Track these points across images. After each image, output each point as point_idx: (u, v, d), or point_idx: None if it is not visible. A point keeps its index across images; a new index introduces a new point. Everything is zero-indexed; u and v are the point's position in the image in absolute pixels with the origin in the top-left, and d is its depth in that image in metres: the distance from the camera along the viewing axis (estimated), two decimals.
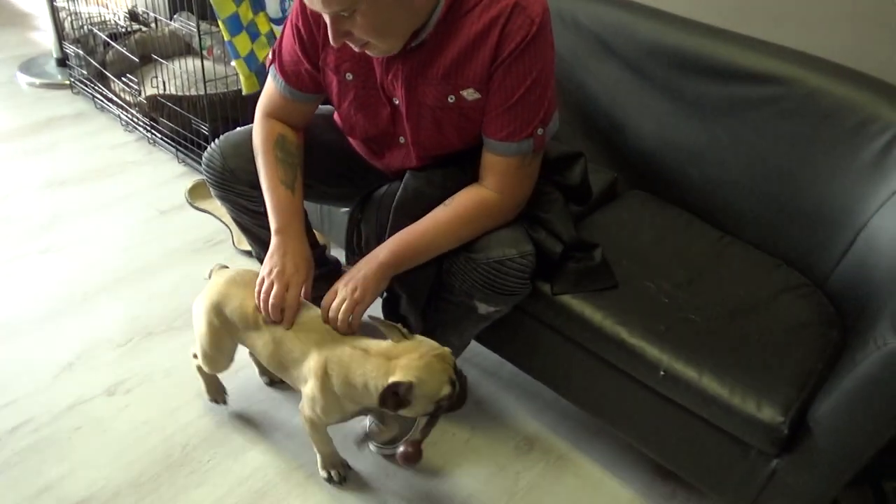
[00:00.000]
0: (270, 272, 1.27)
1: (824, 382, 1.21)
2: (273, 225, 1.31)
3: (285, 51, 1.34)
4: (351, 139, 1.48)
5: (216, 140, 1.45)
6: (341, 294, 1.25)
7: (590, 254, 1.41)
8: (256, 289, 1.28)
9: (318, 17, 1.26)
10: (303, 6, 1.27)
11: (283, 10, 2.13)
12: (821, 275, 1.51)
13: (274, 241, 1.30)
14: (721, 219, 1.62)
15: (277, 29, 2.13)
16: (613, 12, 1.70)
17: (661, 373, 1.28)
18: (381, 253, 1.27)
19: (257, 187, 1.36)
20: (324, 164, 1.47)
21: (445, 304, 1.37)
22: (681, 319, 1.35)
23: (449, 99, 1.23)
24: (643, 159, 1.73)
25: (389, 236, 1.30)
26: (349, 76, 1.29)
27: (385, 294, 1.42)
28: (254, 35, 2.09)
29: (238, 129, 1.46)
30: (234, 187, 1.42)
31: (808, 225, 1.51)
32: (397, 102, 1.29)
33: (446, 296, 1.35)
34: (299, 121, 1.41)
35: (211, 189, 1.47)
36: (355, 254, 1.43)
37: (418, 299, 1.37)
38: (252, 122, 1.42)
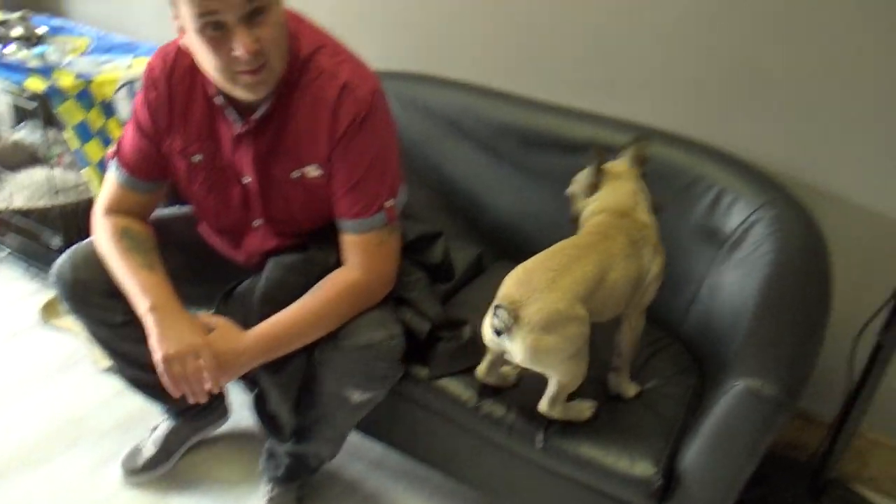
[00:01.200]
0: (171, 358, 1.18)
1: (688, 429, 1.28)
2: (143, 306, 1.22)
3: (127, 143, 1.33)
4: (208, 235, 1.46)
5: (66, 252, 1.39)
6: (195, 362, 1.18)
7: (459, 332, 1.42)
8: (168, 382, 1.20)
9: (161, 104, 1.27)
10: (144, 98, 1.28)
11: None
12: (675, 326, 1.59)
13: (151, 322, 1.20)
14: None
15: None
16: (461, 97, 1.80)
17: (540, 445, 1.30)
18: (245, 341, 1.22)
19: (115, 296, 1.30)
20: (180, 262, 1.41)
21: (317, 398, 1.34)
22: None
23: (293, 174, 1.27)
24: (504, 232, 1.80)
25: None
26: (197, 158, 1.29)
27: (256, 390, 1.37)
28: (106, 140, 2.05)
29: (88, 239, 1.40)
30: (89, 299, 1.35)
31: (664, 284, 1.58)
32: (247, 181, 1.30)
33: (317, 388, 1.33)
34: (142, 213, 1.37)
35: (63, 304, 1.38)
36: None
37: (288, 393, 1.34)
38: None
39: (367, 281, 1.28)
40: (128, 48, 2.32)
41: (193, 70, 1.24)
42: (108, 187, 1.36)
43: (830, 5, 1.44)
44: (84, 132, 1.98)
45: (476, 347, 1.38)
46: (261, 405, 1.40)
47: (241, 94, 1.17)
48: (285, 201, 1.31)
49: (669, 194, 1.55)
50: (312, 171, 1.26)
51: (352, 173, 1.24)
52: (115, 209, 1.35)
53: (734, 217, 1.49)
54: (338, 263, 1.30)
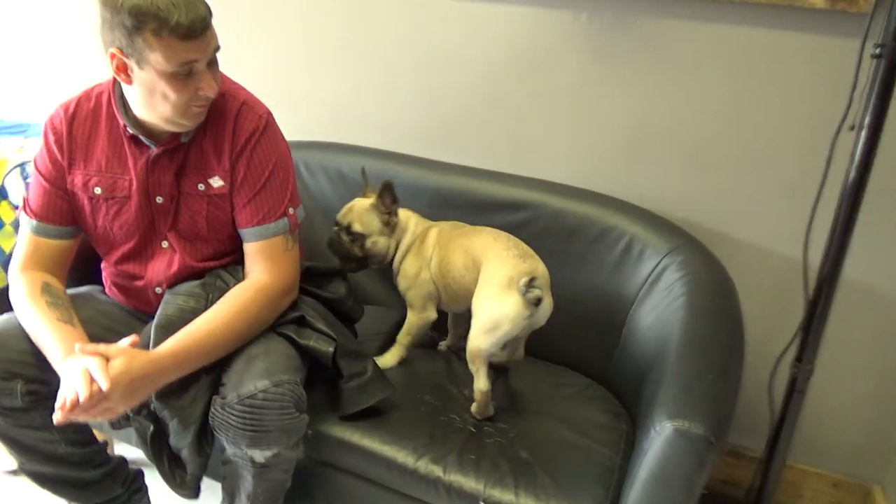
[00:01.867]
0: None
1: (625, 475, 1.29)
2: (59, 356, 1.20)
3: (33, 194, 1.38)
4: (114, 280, 1.46)
5: None
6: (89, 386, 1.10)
7: (363, 366, 1.41)
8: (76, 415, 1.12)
9: (61, 146, 1.35)
10: (44, 146, 1.36)
11: None
12: (601, 373, 1.62)
13: (64, 369, 1.16)
14: None
15: None
16: (372, 161, 1.81)
17: (481, 502, 1.28)
18: (154, 357, 1.19)
19: (12, 376, 1.27)
20: (96, 328, 1.37)
21: (227, 466, 1.31)
22: (488, 445, 1.38)
23: (199, 187, 1.36)
24: None
25: None
26: (97, 190, 1.36)
27: (151, 427, 1.28)
28: None
29: None
30: None
31: (581, 329, 1.64)
32: (160, 200, 1.36)
33: (224, 456, 1.30)
34: (58, 264, 1.39)
35: None
36: (121, 427, 1.34)
37: (189, 423, 1.26)
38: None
39: (272, 283, 1.34)
40: (17, 129, 2.24)
41: (96, 114, 1.35)
42: (21, 242, 1.39)
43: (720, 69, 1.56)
44: None
45: (383, 382, 1.41)
46: (159, 443, 1.30)
47: (187, 123, 1.28)
48: (191, 216, 1.37)
49: (583, 245, 1.61)
50: (216, 183, 1.35)
51: (255, 181, 1.35)
52: (31, 263, 1.37)
53: (645, 263, 1.55)
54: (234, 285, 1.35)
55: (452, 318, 1.70)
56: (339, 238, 1.56)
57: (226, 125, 1.34)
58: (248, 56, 2.03)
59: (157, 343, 1.25)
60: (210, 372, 1.27)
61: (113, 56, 1.20)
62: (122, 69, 1.22)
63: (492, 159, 1.83)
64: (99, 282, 1.55)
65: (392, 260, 1.59)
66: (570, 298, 1.63)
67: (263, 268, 1.36)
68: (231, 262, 1.43)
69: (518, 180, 1.71)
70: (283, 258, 1.37)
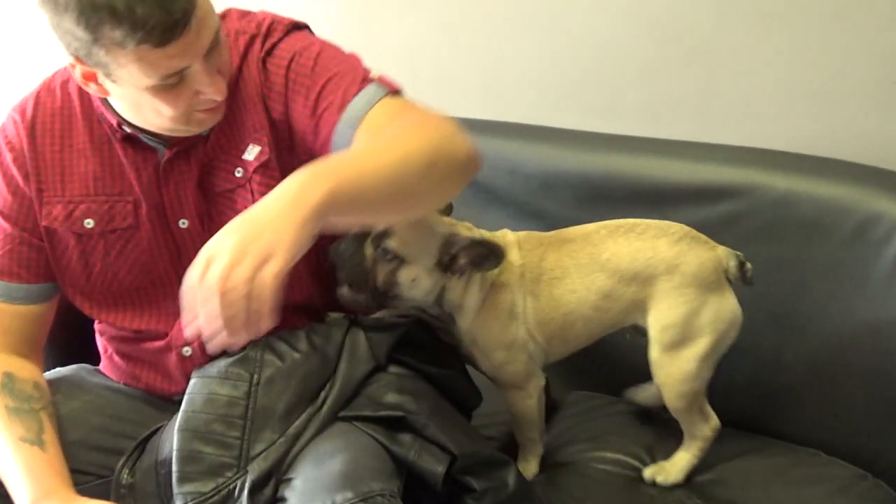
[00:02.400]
0: None
1: None
2: (24, 497, 1.08)
3: None
4: (112, 341, 1.29)
5: None
6: (226, 256, 0.85)
7: (501, 477, 1.17)
8: None
9: (23, 167, 1.17)
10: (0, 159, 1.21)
11: None
12: (876, 457, 1.31)
13: None
14: (719, 405, 1.38)
15: None
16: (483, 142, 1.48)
17: None
18: (304, 174, 0.93)
19: None
20: (84, 427, 1.23)
21: None
22: None
23: (237, 173, 1.17)
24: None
25: (179, 485, 1.08)
26: (88, 223, 1.19)
27: None
28: None
29: None
30: None
31: (837, 390, 1.34)
32: (185, 224, 1.19)
33: None
34: (29, 339, 1.25)
35: None
36: None
37: None
38: None
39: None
40: None
41: (66, 112, 1.19)
42: None
43: None
44: None
45: (528, 497, 1.21)
46: None
47: (196, 129, 1.12)
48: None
49: (832, 249, 1.31)
50: (251, 153, 1.16)
51: (309, 86, 1.12)
52: None
53: None
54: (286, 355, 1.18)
55: None
56: (359, 247, 1.23)
57: (248, 70, 1.15)
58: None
59: (180, 456, 1.10)
60: (257, 493, 1.08)
61: (73, 66, 1.05)
62: (91, 78, 1.06)
63: (665, 124, 1.57)
64: (90, 355, 1.39)
65: (453, 319, 1.29)
66: (817, 337, 1.34)
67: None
68: (300, 305, 1.24)
69: (715, 151, 1.43)
70: (413, 110, 1.11)
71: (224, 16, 1.17)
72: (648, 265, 1.22)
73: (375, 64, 1.17)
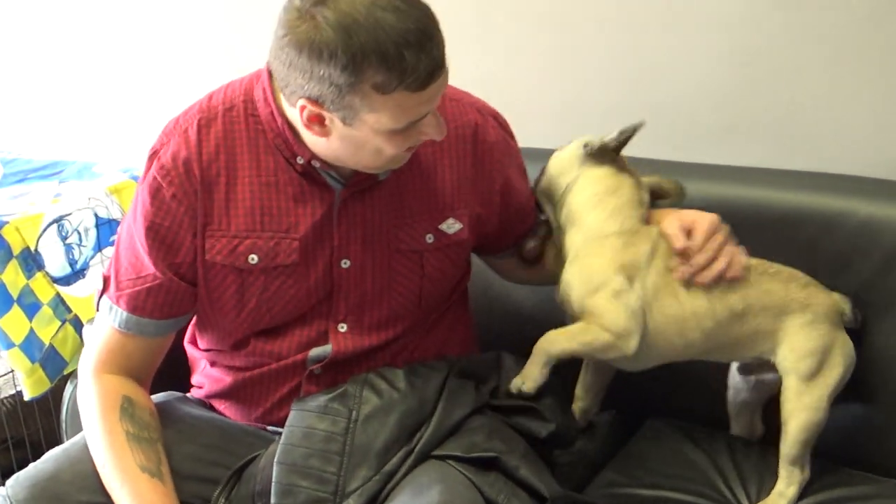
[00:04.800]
0: None
1: None
2: None
3: (126, 271, 1.40)
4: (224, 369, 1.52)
5: (2, 488, 1.39)
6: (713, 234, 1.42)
7: None
8: None
9: (190, 200, 1.35)
10: (154, 204, 1.36)
11: (73, 263, 2.16)
12: None
13: None
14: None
15: (66, 292, 2.14)
16: None
17: None
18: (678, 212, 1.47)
19: None
20: (186, 455, 1.45)
21: None
22: None
23: (427, 238, 1.43)
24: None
25: None
26: (253, 259, 1.37)
27: None
28: (32, 308, 2.08)
29: (33, 464, 1.41)
30: None
31: None
32: (346, 265, 1.40)
33: None
34: (147, 370, 1.46)
35: None
36: None
37: None
38: (52, 439, 1.49)
39: None
40: (50, 171, 2.40)
41: (232, 143, 1.36)
42: (99, 335, 1.44)
43: None
44: (0, 299, 2.03)
45: None
46: None
47: (390, 168, 1.35)
48: (389, 285, 1.45)
49: None
50: (452, 228, 1.45)
51: (513, 201, 1.53)
52: (109, 367, 1.42)
53: None
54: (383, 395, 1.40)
55: None
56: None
57: (459, 143, 1.43)
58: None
59: (279, 490, 1.31)
60: None
61: (303, 108, 1.23)
62: (317, 121, 1.25)
63: (741, 149, 1.79)
64: (177, 382, 1.62)
65: (563, 232, 1.56)
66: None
67: None
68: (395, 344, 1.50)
69: (794, 178, 1.69)
70: None
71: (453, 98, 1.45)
72: (783, 301, 1.49)
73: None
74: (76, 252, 2.16)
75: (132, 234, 1.40)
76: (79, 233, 2.17)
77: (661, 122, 1.84)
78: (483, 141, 1.44)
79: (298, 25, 1.15)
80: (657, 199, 1.55)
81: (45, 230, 2.12)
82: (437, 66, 1.18)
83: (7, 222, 2.07)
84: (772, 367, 1.54)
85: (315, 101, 1.21)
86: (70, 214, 2.14)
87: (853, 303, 1.51)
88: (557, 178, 1.55)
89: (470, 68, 1.87)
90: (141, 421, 1.38)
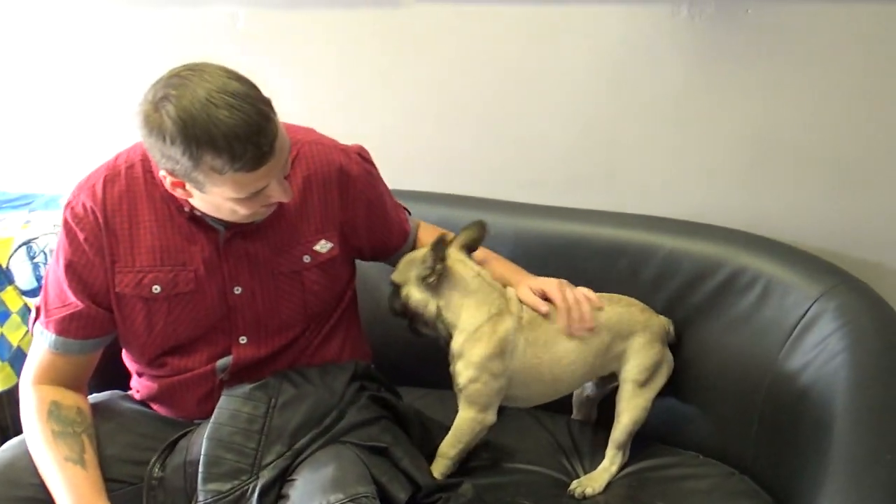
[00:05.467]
0: None
1: None
2: None
3: (53, 301, 1.38)
4: (150, 378, 1.48)
5: None
6: (566, 293, 1.47)
7: (456, 492, 1.41)
8: None
9: (98, 242, 1.34)
10: (70, 244, 1.35)
11: (39, 278, 2.10)
12: (742, 458, 1.56)
13: None
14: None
15: (32, 302, 2.07)
16: (434, 209, 1.82)
17: None
18: (523, 278, 1.54)
19: None
20: (121, 444, 1.43)
21: None
22: None
23: (304, 259, 1.42)
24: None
25: (204, 483, 1.30)
26: (156, 289, 1.36)
27: None
28: (2, 316, 2.03)
29: None
30: None
31: (711, 404, 1.60)
32: (239, 291, 1.39)
33: None
34: (77, 379, 1.42)
35: None
36: None
37: None
38: (19, 426, 1.39)
39: None
40: (21, 202, 2.35)
41: (132, 194, 1.35)
42: (34, 353, 1.41)
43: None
44: None
45: (482, 500, 1.40)
46: None
47: (257, 219, 1.34)
48: (281, 300, 1.43)
49: (707, 295, 1.60)
50: (324, 248, 1.44)
51: (377, 214, 1.52)
52: (45, 378, 1.40)
53: (789, 313, 1.51)
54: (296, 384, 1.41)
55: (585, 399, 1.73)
56: (393, 293, 1.60)
57: (326, 179, 1.42)
58: (273, 94, 2.06)
59: (207, 461, 1.31)
60: (265, 496, 1.30)
61: (164, 177, 1.24)
62: (179, 185, 1.25)
63: (582, 194, 1.83)
64: (120, 382, 1.59)
65: (449, 339, 1.53)
66: (695, 364, 1.61)
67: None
68: (300, 345, 1.49)
69: (616, 218, 1.71)
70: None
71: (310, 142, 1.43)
72: (630, 324, 1.53)
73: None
74: (42, 269, 2.10)
75: (56, 270, 1.38)
76: (44, 253, 2.10)
77: (517, 173, 1.92)
78: (347, 175, 1.44)
79: (150, 114, 1.15)
80: (472, 249, 1.56)
81: (15, 251, 2.07)
82: (264, 154, 1.16)
83: None
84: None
85: (171, 172, 1.21)
86: (37, 238, 2.09)
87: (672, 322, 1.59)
88: (426, 309, 1.52)
89: (376, 126, 1.97)
90: (66, 419, 1.36)
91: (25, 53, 2.48)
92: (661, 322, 1.57)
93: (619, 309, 1.54)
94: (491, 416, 1.51)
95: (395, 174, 1.91)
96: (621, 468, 1.56)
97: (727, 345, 1.58)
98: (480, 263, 1.55)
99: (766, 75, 1.60)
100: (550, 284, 1.50)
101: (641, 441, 1.60)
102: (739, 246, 1.60)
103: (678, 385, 1.63)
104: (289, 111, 2.00)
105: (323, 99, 2.07)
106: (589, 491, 1.51)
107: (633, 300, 1.57)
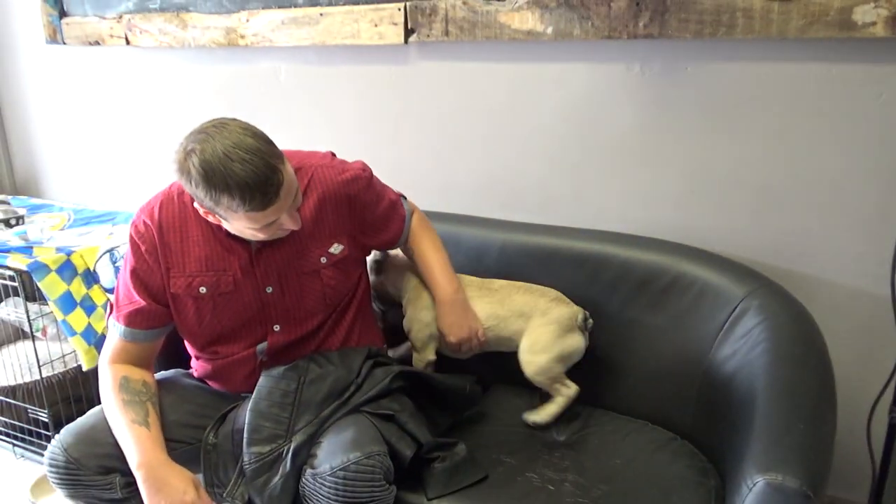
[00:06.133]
0: None
1: None
2: (134, 461, 1.27)
3: (123, 299, 1.40)
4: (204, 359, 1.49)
5: (56, 435, 1.38)
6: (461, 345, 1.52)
7: (452, 451, 1.40)
8: None
9: (154, 254, 1.35)
10: (134, 256, 1.37)
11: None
12: (683, 426, 1.55)
13: (140, 479, 1.26)
14: (581, 392, 1.62)
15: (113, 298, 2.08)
16: (433, 224, 1.81)
17: None
18: (446, 290, 1.52)
19: (110, 471, 1.33)
20: (181, 412, 1.45)
21: None
22: None
23: (322, 260, 1.42)
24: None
25: (248, 446, 1.31)
26: (203, 290, 1.36)
27: None
28: (89, 309, 2.03)
29: (78, 419, 1.41)
30: (83, 479, 1.33)
31: (658, 382, 1.58)
32: (270, 290, 1.39)
33: None
34: (144, 360, 1.44)
35: (60, 490, 1.35)
36: (214, 486, 1.39)
37: None
38: (98, 398, 1.41)
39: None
40: (106, 218, 2.37)
41: (183, 216, 1.36)
42: (110, 340, 1.43)
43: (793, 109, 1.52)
44: (68, 303, 1.97)
45: (474, 465, 1.40)
46: None
47: (273, 238, 1.33)
48: (306, 294, 1.43)
49: (654, 295, 1.58)
50: (336, 249, 1.43)
51: (375, 216, 1.50)
52: (118, 359, 1.42)
53: (721, 310, 1.49)
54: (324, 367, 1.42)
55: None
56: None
57: (336, 195, 1.42)
58: (308, 132, 2.11)
59: (250, 428, 1.33)
60: (297, 456, 1.30)
61: (197, 207, 1.27)
62: (209, 214, 1.27)
63: (553, 214, 1.84)
64: (183, 363, 1.59)
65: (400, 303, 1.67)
66: (645, 350, 1.60)
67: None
68: (326, 330, 1.49)
69: (581, 233, 1.71)
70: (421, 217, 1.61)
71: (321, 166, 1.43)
72: (530, 308, 1.55)
73: (377, 176, 1.52)
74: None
75: (124, 275, 1.41)
76: (123, 259, 2.09)
77: (501, 196, 1.91)
78: (353, 191, 1.44)
79: (182, 162, 1.18)
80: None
81: (101, 257, 2.07)
82: (270, 199, 1.18)
83: (74, 251, 2.02)
84: None
85: (201, 205, 1.24)
86: (118, 247, 2.10)
87: (591, 315, 1.58)
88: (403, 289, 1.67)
89: (387, 157, 2.02)
90: (134, 390, 1.38)
91: (110, 105, 2.50)
92: (571, 311, 1.56)
93: (528, 297, 1.58)
94: (429, 355, 1.62)
95: (413, 196, 1.93)
96: (565, 408, 1.57)
97: (671, 336, 1.57)
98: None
99: (702, 119, 1.60)
100: (456, 334, 1.55)
101: (601, 411, 1.61)
102: (680, 255, 1.59)
103: (632, 368, 1.62)
104: (320, 142, 2.07)
105: (346, 134, 2.08)
106: (535, 418, 1.57)
107: (548, 291, 1.59)
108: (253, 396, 1.38)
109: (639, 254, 1.61)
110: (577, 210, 1.81)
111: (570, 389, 1.58)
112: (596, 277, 1.64)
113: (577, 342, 1.56)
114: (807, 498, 1.04)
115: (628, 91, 1.65)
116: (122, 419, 1.32)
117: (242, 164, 1.14)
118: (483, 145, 1.88)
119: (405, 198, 1.62)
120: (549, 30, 1.65)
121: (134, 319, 1.39)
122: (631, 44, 1.61)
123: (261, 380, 1.41)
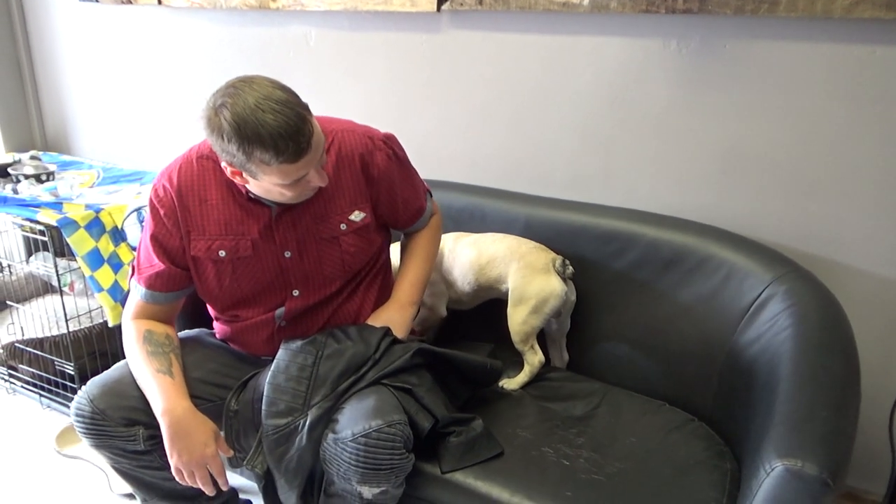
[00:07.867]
0: (181, 465, 1.30)
1: None
2: (159, 408, 1.30)
3: (143, 262, 1.42)
4: (235, 339, 1.50)
5: (82, 387, 1.41)
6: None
7: (469, 426, 1.41)
8: (180, 480, 1.32)
9: (174, 218, 1.36)
10: (153, 219, 1.38)
11: None
12: (702, 408, 1.55)
13: (164, 425, 1.30)
14: (600, 369, 1.66)
15: None
16: (462, 196, 1.84)
17: None
18: (402, 297, 1.49)
19: (134, 423, 1.35)
20: (205, 370, 1.47)
21: (331, 499, 1.33)
22: (584, 481, 1.33)
23: (342, 227, 1.40)
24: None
25: (266, 419, 1.32)
26: (222, 254, 1.37)
27: (263, 481, 1.39)
28: (116, 266, 2.05)
29: (104, 372, 1.44)
30: (107, 430, 1.36)
31: (679, 363, 1.58)
32: (289, 255, 1.38)
33: (330, 489, 1.32)
34: (165, 318, 1.46)
35: (85, 440, 1.39)
36: (236, 451, 1.42)
37: (294, 483, 1.34)
38: (123, 353, 1.43)
39: (434, 233, 1.61)
40: (134, 177, 2.40)
41: (202, 180, 1.36)
42: (131, 301, 1.45)
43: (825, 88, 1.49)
44: (95, 259, 2.00)
45: (490, 439, 1.40)
46: (272, 496, 1.40)
47: (302, 200, 1.35)
48: (325, 260, 1.43)
49: (680, 276, 1.57)
50: (358, 217, 1.42)
51: (400, 194, 1.48)
52: (138, 316, 1.44)
53: (747, 294, 1.48)
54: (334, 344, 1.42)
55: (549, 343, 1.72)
56: None
57: (353, 163, 1.40)
58: (337, 98, 2.10)
59: (268, 401, 1.34)
60: (311, 442, 1.31)
61: (225, 168, 1.26)
62: (237, 174, 1.27)
63: (582, 190, 1.82)
64: (207, 324, 1.61)
65: None
66: (667, 330, 1.59)
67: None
68: (345, 301, 1.49)
69: (609, 211, 1.69)
70: (437, 226, 1.62)
71: (343, 130, 1.42)
72: (508, 255, 1.61)
73: (406, 146, 1.52)
74: None
75: (144, 239, 1.42)
76: None
77: (530, 171, 1.90)
78: (368, 158, 1.41)
79: (212, 118, 1.17)
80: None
81: (128, 215, 2.10)
82: (302, 149, 1.18)
83: (103, 208, 2.05)
84: (558, 317, 1.66)
85: (230, 164, 1.22)
86: (146, 206, 2.07)
87: (567, 262, 1.60)
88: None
89: (417, 127, 2.02)
90: (157, 342, 1.40)
91: (141, 64, 2.50)
92: (547, 257, 1.59)
93: (505, 244, 1.63)
94: (439, 312, 1.72)
95: (432, 168, 1.95)
96: (533, 376, 1.62)
97: (695, 316, 1.56)
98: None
99: (738, 99, 1.57)
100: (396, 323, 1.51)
101: (618, 389, 1.61)
102: (708, 237, 1.58)
103: (653, 348, 1.61)
104: (349, 110, 2.06)
105: (376, 103, 2.07)
106: (506, 386, 1.60)
107: (527, 241, 1.64)
108: (271, 370, 1.38)
109: (666, 234, 1.60)
110: (606, 188, 1.79)
111: (535, 356, 1.61)
112: (622, 255, 1.64)
113: (553, 285, 1.57)
114: (825, 485, 1.03)
115: (664, 67, 1.62)
116: (147, 369, 1.34)
117: (274, 114, 1.14)
118: (513, 117, 1.86)
119: (431, 194, 1.61)
120: (586, 1, 1.62)
121: (154, 282, 1.41)
122: (669, 18, 1.58)
123: (279, 353, 1.41)
